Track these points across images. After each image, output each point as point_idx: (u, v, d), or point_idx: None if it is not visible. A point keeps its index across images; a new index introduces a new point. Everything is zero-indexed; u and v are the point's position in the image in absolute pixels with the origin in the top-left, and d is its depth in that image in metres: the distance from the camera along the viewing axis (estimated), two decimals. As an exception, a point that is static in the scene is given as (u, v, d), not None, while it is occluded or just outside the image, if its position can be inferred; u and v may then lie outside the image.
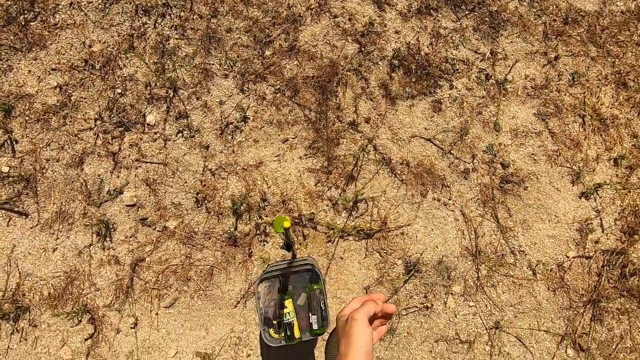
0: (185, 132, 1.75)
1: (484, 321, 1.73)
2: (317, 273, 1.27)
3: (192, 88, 1.78)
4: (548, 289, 1.77)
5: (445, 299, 1.75)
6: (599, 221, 1.82)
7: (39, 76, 1.76)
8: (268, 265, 1.61)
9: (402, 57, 1.85)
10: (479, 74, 1.87)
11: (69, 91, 1.74)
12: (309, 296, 1.26)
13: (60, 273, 1.67)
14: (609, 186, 1.82)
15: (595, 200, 1.83)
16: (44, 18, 1.80)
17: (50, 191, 1.70)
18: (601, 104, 1.88)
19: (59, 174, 1.71)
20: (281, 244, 1.31)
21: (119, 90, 1.75)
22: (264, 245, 1.72)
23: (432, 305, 1.74)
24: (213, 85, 1.79)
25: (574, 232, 1.80)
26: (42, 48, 1.78)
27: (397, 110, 1.83)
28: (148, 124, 1.74)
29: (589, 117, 1.86)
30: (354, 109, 1.78)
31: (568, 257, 1.79)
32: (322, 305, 1.23)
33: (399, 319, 1.72)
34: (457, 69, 1.87)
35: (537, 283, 1.77)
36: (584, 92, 1.88)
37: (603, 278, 1.76)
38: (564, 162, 1.84)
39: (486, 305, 1.75)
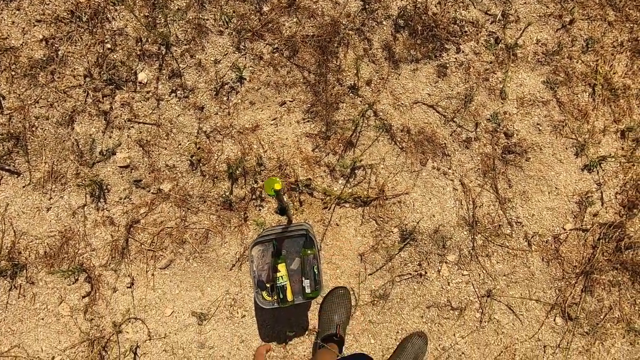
0: (178, 92, 1.68)
1: (476, 289, 1.75)
2: (312, 238, 1.26)
3: (185, 45, 1.69)
4: (542, 260, 1.77)
5: (439, 267, 1.76)
6: (600, 194, 1.79)
7: (24, 28, 1.67)
8: (263, 229, 1.60)
9: (408, 17, 1.74)
10: (488, 37, 1.78)
11: (55, 45, 1.66)
12: (303, 261, 1.26)
13: (55, 232, 1.67)
14: (614, 159, 1.78)
15: (597, 173, 1.80)
16: (26, -37, 1.68)
17: (41, 150, 1.66)
18: (614, 73, 1.80)
19: (49, 132, 1.66)
20: (275, 208, 1.29)
21: (108, 46, 1.66)
22: (260, 210, 1.71)
23: (426, 272, 1.75)
24: (207, 42, 1.70)
25: (573, 205, 1.78)
26: (26, -3, 1.67)
27: (400, 75, 1.75)
28: (140, 83, 1.67)
29: (600, 87, 1.78)
30: (356, 71, 1.70)
31: (565, 230, 1.78)
32: (315, 270, 1.23)
33: (392, 285, 1.74)
34: (466, 31, 1.77)
35: (532, 254, 1.77)
36: (597, 60, 1.79)
37: (598, 251, 1.76)
38: (569, 134, 1.79)
39: (479, 274, 1.76)
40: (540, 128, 1.78)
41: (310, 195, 1.73)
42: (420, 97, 1.76)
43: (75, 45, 1.66)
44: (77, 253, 1.66)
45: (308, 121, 1.73)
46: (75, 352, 1.64)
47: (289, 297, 1.24)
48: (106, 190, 1.67)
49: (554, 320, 1.77)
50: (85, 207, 1.67)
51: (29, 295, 1.66)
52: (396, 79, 1.75)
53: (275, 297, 1.21)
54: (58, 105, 1.66)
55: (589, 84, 1.79)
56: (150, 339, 1.66)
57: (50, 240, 1.67)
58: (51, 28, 1.66)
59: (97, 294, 1.67)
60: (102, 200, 1.67)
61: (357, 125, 1.72)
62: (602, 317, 1.78)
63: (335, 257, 1.73)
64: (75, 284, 1.67)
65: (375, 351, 1.72)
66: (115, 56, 1.66)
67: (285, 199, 0.99)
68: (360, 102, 1.74)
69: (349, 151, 1.74)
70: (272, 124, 1.72)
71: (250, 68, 1.71)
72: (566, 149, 1.79)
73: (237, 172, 1.68)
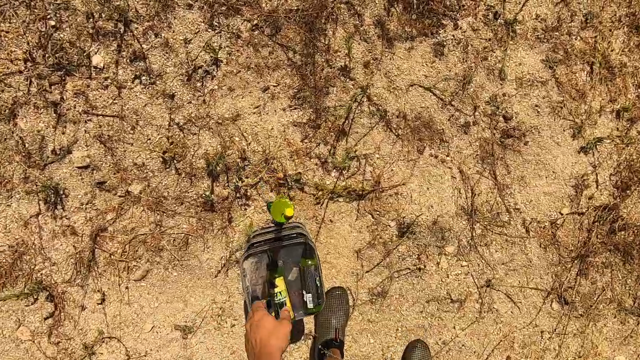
0: (143, 77, 1.44)
1: (476, 280, 1.70)
2: (311, 246, 1.11)
3: (147, 22, 1.44)
4: (540, 246, 1.73)
5: (438, 260, 1.68)
6: (595, 177, 1.76)
7: (-60, 0, 1.35)
8: (252, 232, 1.44)
9: (402, -11, 1.56)
10: (487, 12, 1.64)
11: (-16, 22, 1.36)
12: (303, 272, 1.12)
13: (4, 247, 1.42)
14: (609, 140, 1.74)
15: (593, 155, 1.75)
16: None
17: (-23, 151, 1.39)
18: (611, 50, 1.73)
19: (-15, 129, 1.39)
20: (272, 219, 1.13)
21: (52, 23, 1.38)
22: (245, 209, 1.54)
23: (425, 266, 1.67)
24: (174, 18, 1.45)
25: (569, 189, 1.74)
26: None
27: (394, 54, 1.59)
28: (95, 67, 1.41)
29: (598, 65, 1.71)
30: (347, 51, 1.52)
31: (562, 214, 1.74)
32: (317, 283, 1.10)
33: (390, 281, 1.64)
34: (464, 5, 1.62)
35: (530, 240, 1.73)
36: (596, 36, 1.71)
37: (593, 234, 1.74)
38: (567, 115, 1.71)
39: (478, 265, 1.70)
40: (539, 110, 1.70)
41: (301, 191, 1.57)
42: (416, 78, 1.61)
43: (10, 23, 1.36)
44: (33, 269, 1.44)
45: (295, 108, 1.55)
46: (41, 380, 1.45)
47: (290, 313, 1.10)
48: (63, 196, 1.44)
49: (551, 305, 1.76)
50: (40, 216, 1.43)
51: (-22, 320, 1.43)
52: (390, 59, 1.59)
53: (273, 315, 1.07)
54: (-6, 97, 1.37)
55: (587, 62, 1.71)
56: (129, 359, 1.49)
57: (-1, 256, 1.42)
58: (-24, 0, 1.35)
59: (63, 313, 1.46)
60: (59, 207, 1.43)
61: (350, 111, 1.56)
62: (595, 299, 1.78)
63: (330, 255, 1.61)
64: (34, 305, 1.45)
65: (375, 350, 1.64)
66: (62, 36, 1.39)
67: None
68: (353, 85, 1.57)
69: (341, 141, 1.58)
70: (254, 113, 1.52)
71: (227, 48, 1.49)
72: (564, 130, 1.72)
73: (218, 168, 1.49)
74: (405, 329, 1.65)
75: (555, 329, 1.75)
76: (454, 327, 1.69)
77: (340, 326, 1.49)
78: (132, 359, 1.48)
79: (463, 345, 1.69)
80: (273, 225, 1.52)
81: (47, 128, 1.41)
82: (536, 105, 1.69)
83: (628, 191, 1.77)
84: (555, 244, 1.74)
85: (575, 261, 1.75)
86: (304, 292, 1.10)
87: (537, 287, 1.73)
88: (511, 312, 1.73)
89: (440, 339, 1.68)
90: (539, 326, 1.74)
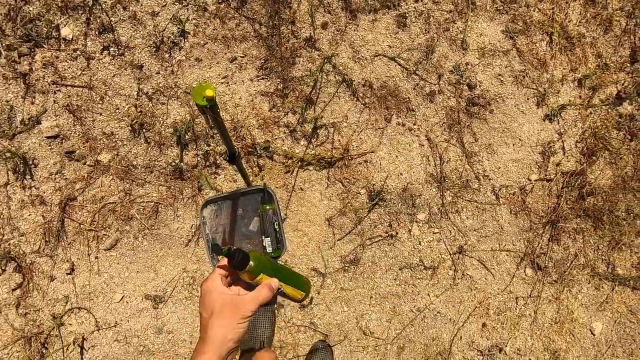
0: (112, 48, 1.48)
1: (448, 247, 1.71)
2: (270, 193, 1.12)
3: (116, -5, 1.48)
4: (510, 212, 1.75)
5: (410, 227, 1.69)
6: (561, 144, 1.80)
7: None
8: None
9: (363, -37, 1.63)
10: (447, -15, 1.71)
11: (-46, -4, 1.40)
12: (262, 218, 1.12)
13: (-28, 218, 1.43)
14: (572, 107, 1.79)
15: (558, 122, 1.79)
16: None
17: (-54, 121, 1.41)
18: (569, 21, 1.79)
19: (-46, 100, 1.41)
20: (224, 155, 1.12)
21: (21, -4, 1.42)
22: (215, 178, 1.55)
23: (397, 233, 1.68)
24: (142, -8, 1.50)
25: (537, 155, 1.77)
26: None
27: (358, 26, 1.64)
28: (64, 39, 1.45)
29: (557, 35, 1.77)
30: (311, 21, 1.57)
31: (530, 181, 1.77)
32: (275, 227, 1.10)
33: (363, 249, 1.65)
34: (424, -21, 1.68)
35: (500, 207, 1.75)
36: (553, 8, 1.78)
37: (562, 200, 1.76)
38: (529, 84, 1.76)
39: (450, 231, 1.71)
40: (502, 79, 1.75)
41: (270, 159, 1.59)
42: (380, 49, 1.66)
43: (-20, -4, 1.41)
44: (1, 240, 1.44)
45: (263, 78, 1.58)
46: (9, 353, 1.43)
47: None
48: (32, 165, 1.45)
49: (524, 271, 1.77)
50: (8, 186, 1.44)
51: (-55, 293, 1.42)
52: (354, 30, 1.64)
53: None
54: (-37, 68, 1.40)
55: (547, 32, 1.78)
56: (98, 330, 1.47)
57: (-33, 227, 1.43)
58: (-53, -24, 1.40)
59: (31, 284, 1.45)
60: (28, 176, 1.45)
61: (317, 80, 1.60)
62: (568, 264, 1.79)
63: (301, 223, 1.62)
64: (2, 275, 1.44)
65: (349, 318, 1.63)
66: (30, 9, 1.43)
67: (221, 118, 0.72)
68: (318, 56, 1.62)
69: (309, 110, 1.62)
70: (223, 83, 1.56)
71: (194, 21, 1.53)
72: (527, 99, 1.77)
73: (187, 137, 1.51)
74: (379, 296, 1.65)
75: (530, 295, 1.75)
76: (428, 294, 1.69)
77: (265, 338, 1.42)
78: (102, 329, 1.47)
79: (438, 312, 1.69)
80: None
81: (15, 98, 1.43)
82: (499, 74, 1.75)
83: (594, 157, 1.81)
84: (525, 210, 1.76)
85: (547, 227, 1.77)
86: (263, 237, 1.10)
87: (509, 252, 1.74)
88: (485, 278, 1.73)
89: (414, 306, 1.68)
90: (513, 292, 1.75)
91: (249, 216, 1.17)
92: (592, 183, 1.79)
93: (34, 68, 1.43)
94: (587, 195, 1.78)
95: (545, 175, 1.78)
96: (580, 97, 1.81)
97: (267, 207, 1.11)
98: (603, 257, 1.81)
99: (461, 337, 1.68)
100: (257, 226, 1.18)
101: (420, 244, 1.69)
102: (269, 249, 1.10)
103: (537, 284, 1.76)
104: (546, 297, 1.77)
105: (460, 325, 1.70)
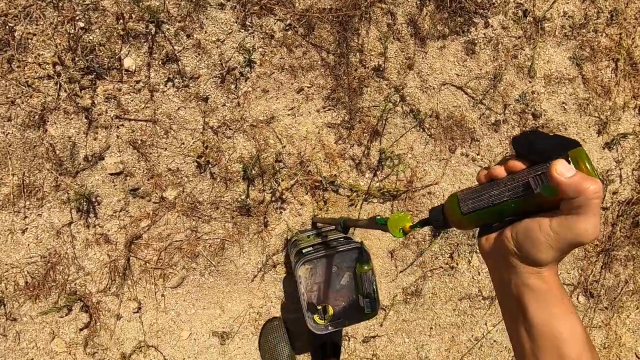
0: (176, 80, 1.40)
1: (506, 277, 1.71)
2: (367, 251, 1.11)
3: (179, 22, 1.39)
4: (567, 241, 1.76)
5: (470, 258, 1.69)
6: (619, 172, 1.79)
7: (-39, 1, 1.28)
8: (294, 234, 1.43)
9: (434, -13, 1.55)
10: (517, 10, 1.64)
11: (9, 24, 1.30)
12: (359, 277, 1.11)
13: (36, 258, 1.38)
14: (632, 136, 1.77)
15: (617, 150, 1.78)
16: None
17: (5, 159, 1.33)
18: (635, 47, 1.75)
19: (14, 136, 1.33)
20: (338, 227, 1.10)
21: (80, 24, 1.33)
22: (281, 213, 1.52)
23: (457, 264, 1.68)
24: (206, 18, 1.41)
25: (595, 184, 1.76)
26: (-42, -41, 1.27)
27: (426, 53, 1.58)
28: (127, 70, 1.36)
29: (622, 61, 1.73)
30: (383, 50, 1.50)
31: (588, 210, 1.77)
32: (374, 287, 1.09)
33: (424, 280, 1.65)
34: (494, 3, 1.61)
35: (557, 236, 1.75)
36: (621, 32, 1.73)
37: (617, 228, 1.77)
38: (592, 111, 1.73)
39: (509, 261, 1.72)
40: (566, 107, 1.71)
41: (336, 193, 1.56)
42: (448, 77, 1.60)
43: (37, 24, 1.31)
44: (67, 279, 1.40)
45: (329, 109, 1.53)
46: (78, 392, 1.42)
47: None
48: (96, 203, 1.39)
49: (577, 299, 1.79)
50: (72, 225, 1.39)
51: (11, 334, 1.39)
52: (423, 58, 1.58)
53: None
54: (22, 102, 1.32)
55: (613, 58, 1.73)
56: (167, 367, 1.47)
57: (31, 267, 1.38)
58: (0, 1, 1.29)
59: (98, 323, 1.43)
60: (92, 215, 1.39)
61: (384, 111, 1.55)
62: (619, 291, 1.82)
63: (364, 257, 1.60)
64: (69, 315, 1.41)
65: (410, 350, 1.65)
66: (91, 38, 1.33)
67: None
68: (386, 85, 1.55)
69: (375, 142, 1.57)
70: (289, 115, 1.50)
71: (260, 49, 1.45)
72: (589, 127, 1.74)
73: (253, 172, 1.46)
74: (439, 327, 1.67)
75: (582, 322, 1.78)
76: (486, 324, 1.71)
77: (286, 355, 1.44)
78: (171, 367, 1.46)
79: (494, 341, 1.72)
80: (311, 228, 1.51)
81: (78, 134, 1.36)
82: (563, 103, 1.71)
83: (650, 185, 1.81)
84: (581, 239, 1.77)
85: (600, 255, 1.79)
86: (360, 297, 1.09)
87: (564, 281, 1.76)
88: (540, 306, 1.75)
89: (472, 335, 1.70)
90: (566, 320, 1.78)
91: (342, 273, 1.15)
92: (646, 211, 1.80)
93: (95, 102, 1.36)
94: (642, 224, 1.79)
95: (603, 204, 1.78)
96: (639, 124, 1.79)
97: (366, 268, 1.09)
98: (652, 283, 1.84)
99: (517, 366, 1.71)
100: (347, 281, 1.17)
101: (479, 274, 1.70)
102: (367, 310, 1.10)
103: (588, 311, 1.79)
104: (596, 324, 1.80)
105: (516, 353, 1.73)
